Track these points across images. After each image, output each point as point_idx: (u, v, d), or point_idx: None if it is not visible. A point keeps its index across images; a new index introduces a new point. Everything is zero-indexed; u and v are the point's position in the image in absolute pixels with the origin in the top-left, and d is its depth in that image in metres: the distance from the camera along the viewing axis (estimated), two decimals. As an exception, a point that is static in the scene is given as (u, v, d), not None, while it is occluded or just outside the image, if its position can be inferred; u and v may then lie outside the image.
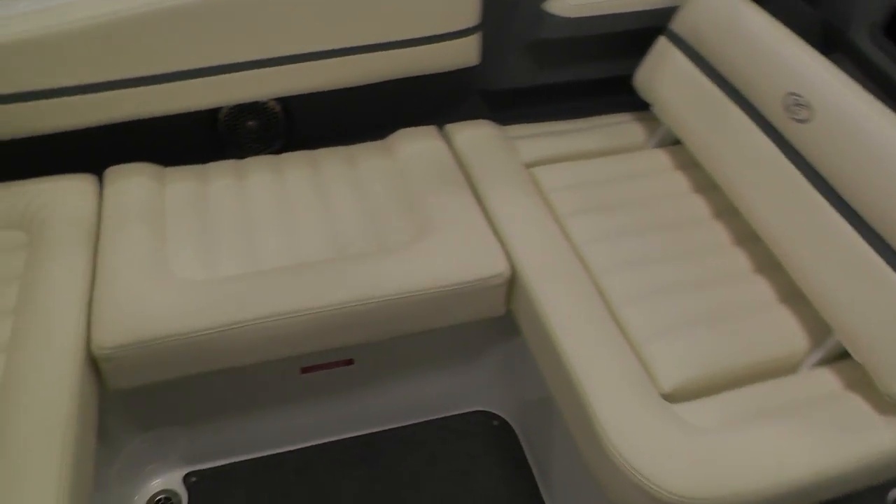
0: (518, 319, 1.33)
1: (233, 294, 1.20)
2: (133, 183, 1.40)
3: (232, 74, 1.41)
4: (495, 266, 1.28)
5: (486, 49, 1.60)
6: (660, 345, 1.17)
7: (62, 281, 1.22)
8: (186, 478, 1.47)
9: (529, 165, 1.53)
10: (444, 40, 1.53)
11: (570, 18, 1.57)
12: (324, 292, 1.21)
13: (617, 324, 1.21)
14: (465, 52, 1.56)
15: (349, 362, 1.40)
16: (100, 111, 1.36)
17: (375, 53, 1.49)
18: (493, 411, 1.63)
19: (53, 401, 1.07)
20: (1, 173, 1.49)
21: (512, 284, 1.31)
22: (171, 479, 1.47)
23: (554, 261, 1.29)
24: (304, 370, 1.38)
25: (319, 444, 1.55)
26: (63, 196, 1.38)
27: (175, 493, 1.45)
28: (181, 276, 1.24)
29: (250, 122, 1.57)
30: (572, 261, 1.29)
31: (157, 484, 1.46)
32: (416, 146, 1.52)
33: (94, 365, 1.17)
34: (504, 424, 1.61)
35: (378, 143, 1.55)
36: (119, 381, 1.19)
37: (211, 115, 1.56)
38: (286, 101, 1.59)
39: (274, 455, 1.53)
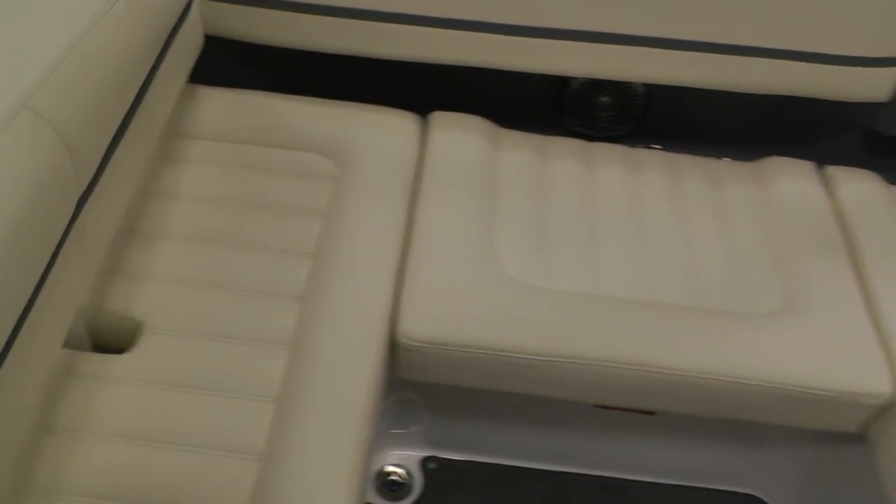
0: (876, 445, 1.07)
1: (568, 318, 1.02)
2: (463, 137, 1.24)
3: (603, 45, 1.20)
4: (874, 382, 1.02)
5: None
6: None
7: (370, 233, 1.09)
8: (425, 462, 1.35)
9: None
10: (859, 65, 1.25)
11: None
12: (671, 350, 1.01)
13: None
14: (879, 85, 1.27)
15: (651, 413, 1.21)
16: (428, 49, 1.21)
17: (775, 61, 1.23)
18: (766, 500, 1.39)
19: (351, 367, 0.95)
20: (314, 93, 1.39)
21: (886, 409, 1.05)
22: (408, 459, 1.35)
23: None
24: (600, 406, 1.20)
25: (565, 472, 1.39)
26: (381, 130, 1.24)
27: (409, 474, 1.34)
28: (510, 274, 1.07)
29: (604, 98, 1.37)
30: None
31: (393, 457, 1.35)
32: (792, 184, 1.26)
33: (393, 345, 1.04)
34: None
35: (746, 165, 1.30)
36: (412, 372, 1.06)
37: (561, 79, 1.37)
38: (651, 86, 1.37)
39: (516, 467, 1.38)
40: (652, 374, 1.00)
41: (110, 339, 1.07)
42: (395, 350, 1.04)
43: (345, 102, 1.29)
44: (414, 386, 1.21)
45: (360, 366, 0.96)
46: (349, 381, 0.94)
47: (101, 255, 0.96)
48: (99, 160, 0.88)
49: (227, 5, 1.27)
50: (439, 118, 1.28)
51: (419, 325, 1.00)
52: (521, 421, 1.27)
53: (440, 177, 1.18)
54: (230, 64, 1.45)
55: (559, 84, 1.38)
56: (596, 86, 1.36)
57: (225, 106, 1.28)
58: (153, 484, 0.85)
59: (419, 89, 1.37)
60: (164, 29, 1.07)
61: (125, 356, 0.97)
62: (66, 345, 0.98)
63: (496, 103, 1.35)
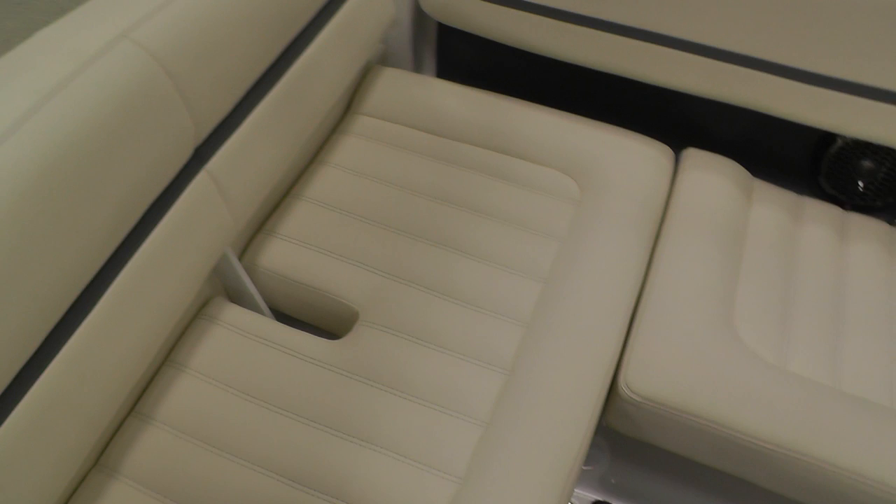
0: None
1: (807, 410, 0.92)
2: (716, 180, 1.15)
3: (884, 104, 1.07)
4: None
5: None
6: None
7: (607, 267, 1.03)
8: None
9: None
10: None
11: None
12: None
13: None
14: None
15: None
16: (691, 79, 1.12)
17: None
18: None
19: (567, 403, 0.91)
20: (553, 101, 1.34)
21: None
22: (580, 498, 1.30)
23: None
24: None
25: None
26: (632, 158, 1.17)
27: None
28: (745, 342, 0.99)
29: (867, 163, 1.24)
30: None
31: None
32: None
33: (611, 390, 0.99)
34: None
35: None
36: (620, 422, 1.00)
37: (824, 134, 1.25)
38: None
39: None
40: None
41: (319, 320, 1.08)
42: (611, 395, 0.98)
43: (590, 120, 1.24)
44: (604, 430, 1.15)
45: (576, 403, 0.91)
46: (563, 416, 0.90)
47: (248, 211, 0.98)
48: (227, 108, 0.91)
49: None
50: (693, 156, 1.20)
51: (644, 379, 0.94)
52: (713, 496, 1.19)
53: (687, 219, 1.10)
54: (471, 58, 1.43)
55: (821, 139, 1.26)
56: (861, 148, 1.23)
57: (459, 101, 1.26)
58: (341, 477, 0.85)
59: (670, 118, 1.29)
60: None
61: (338, 342, 0.98)
62: (242, 302, 1.02)
63: (749, 147, 1.26)
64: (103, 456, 0.87)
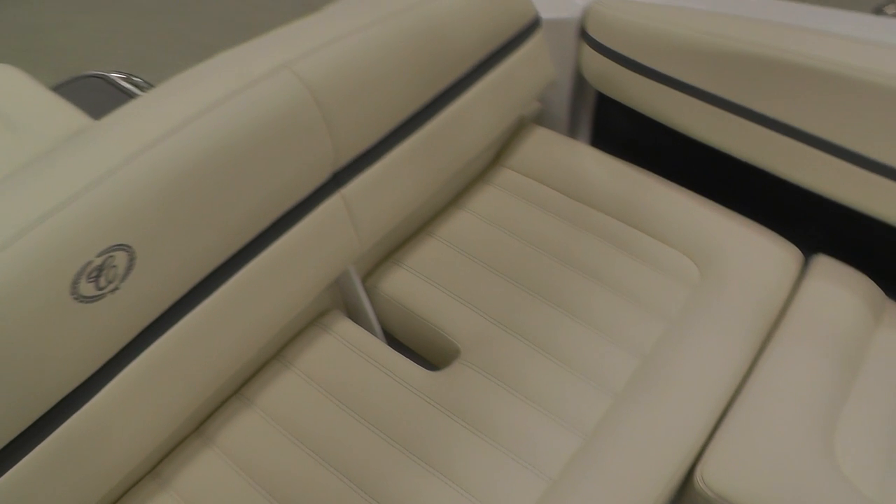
0: None
1: None
2: (844, 294, 1.10)
3: None
4: None
5: None
6: None
7: (710, 357, 1.02)
8: None
9: None
10: None
11: None
12: None
13: None
14: None
15: None
16: (837, 185, 1.08)
17: None
18: None
19: (637, 479, 0.90)
20: (692, 182, 1.33)
21: None
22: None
23: None
24: None
25: None
26: (757, 254, 1.15)
27: None
28: (841, 469, 0.93)
29: None
30: None
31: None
32: None
33: (686, 480, 0.97)
34: None
35: None
36: None
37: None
38: None
39: None
40: None
41: (423, 350, 1.14)
42: (685, 486, 0.96)
43: (723, 208, 1.23)
44: None
45: (647, 483, 0.90)
46: (631, 492, 0.90)
47: (374, 237, 1.06)
48: (370, 141, 1.00)
49: (609, 62, 1.29)
50: (823, 264, 1.16)
51: (722, 477, 0.92)
52: None
53: (804, 327, 1.07)
54: (622, 128, 1.46)
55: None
56: None
57: (601, 169, 1.29)
58: (405, 495, 0.89)
59: (806, 219, 1.25)
60: (479, 44, 1.12)
61: (436, 374, 1.03)
62: (357, 320, 1.11)
63: (887, 264, 1.20)
64: (203, 426, 0.97)
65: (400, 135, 1.05)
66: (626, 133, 1.46)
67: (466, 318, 1.09)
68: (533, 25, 1.24)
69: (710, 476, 0.91)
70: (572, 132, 1.52)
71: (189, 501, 0.90)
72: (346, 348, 1.06)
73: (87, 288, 0.70)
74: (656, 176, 1.28)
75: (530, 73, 1.26)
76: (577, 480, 0.91)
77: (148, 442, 0.81)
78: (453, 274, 1.15)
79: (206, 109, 0.79)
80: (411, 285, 1.14)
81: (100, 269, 0.70)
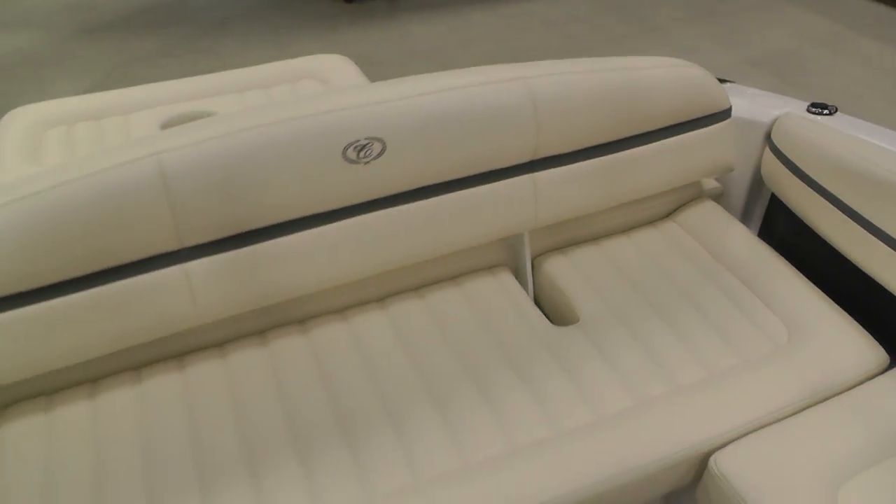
0: None
1: None
2: None
3: None
4: None
5: None
6: None
7: (759, 385, 1.25)
8: None
9: None
10: None
11: None
12: None
13: None
14: None
15: None
16: None
17: None
18: None
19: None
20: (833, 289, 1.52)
21: None
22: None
23: None
24: None
25: None
26: (847, 345, 1.33)
27: None
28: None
29: None
30: None
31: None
32: None
33: (700, 463, 1.20)
34: None
35: None
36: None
37: None
38: None
39: None
40: None
41: (552, 310, 1.52)
42: (701, 465, 1.20)
43: (831, 302, 1.41)
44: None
45: (672, 444, 1.16)
46: (665, 443, 1.17)
47: (548, 218, 1.45)
48: (564, 150, 1.40)
49: (785, 170, 1.52)
50: None
51: (734, 466, 1.13)
52: None
53: (860, 404, 1.23)
54: (785, 225, 1.68)
55: None
56: None
57: (750, 252, 1.54)
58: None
59: None
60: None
61: (555, 329, 1.39)
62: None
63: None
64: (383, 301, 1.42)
65: (586, 155, 1.43)
66: (790, 238, 1.68)
67: (593, 300, 1.44)
68: (722, 114, 1.56)
69: (724, 461, 1.14)
70: (744, 220, 1.78)
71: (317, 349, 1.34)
72: (501, 293, 1.45)
73: (351, 154, 1.17)
74: (784, 259, 1.52)
75: (708, 152, 1.57)
76: (622, 422, 1.19)
77: (325, 281, 1.28)
78: (599, 275, 1.50)
79: (467, 85, 1.29)
80: (565, 269, 1.52)
81: (363, 146, 1.17)
